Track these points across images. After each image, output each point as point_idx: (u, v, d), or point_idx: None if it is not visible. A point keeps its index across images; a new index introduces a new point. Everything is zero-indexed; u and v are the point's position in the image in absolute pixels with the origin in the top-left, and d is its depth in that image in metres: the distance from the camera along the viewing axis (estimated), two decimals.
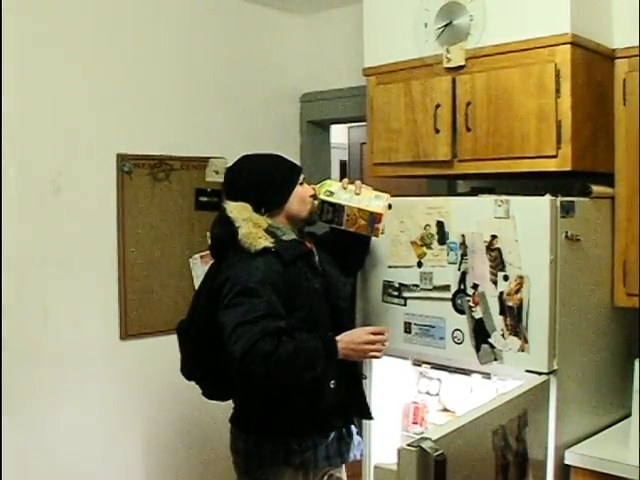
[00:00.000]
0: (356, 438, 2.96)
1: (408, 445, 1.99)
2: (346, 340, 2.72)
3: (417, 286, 3.06)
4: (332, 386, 2.78)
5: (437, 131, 3.13)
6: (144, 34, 3.89)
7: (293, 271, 2.73)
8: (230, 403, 2.96)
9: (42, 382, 3.52)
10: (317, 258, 2.90)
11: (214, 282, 2.79)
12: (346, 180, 2.98)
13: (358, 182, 2.96)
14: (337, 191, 2.90)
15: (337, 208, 2.86)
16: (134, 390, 3.86)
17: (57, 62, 3.54)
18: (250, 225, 2.72)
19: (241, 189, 2.83)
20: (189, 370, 2.95)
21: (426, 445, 1.97)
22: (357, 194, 2.90)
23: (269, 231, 2.74)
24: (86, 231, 3.67)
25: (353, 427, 2.95)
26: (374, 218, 2.84)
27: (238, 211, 2.76)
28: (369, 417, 3.05)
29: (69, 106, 3.60)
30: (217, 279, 2.77)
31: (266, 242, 2.69)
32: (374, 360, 3.21)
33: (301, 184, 2.89)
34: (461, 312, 2.92)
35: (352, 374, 2.90)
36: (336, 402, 2.80)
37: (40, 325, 3.51)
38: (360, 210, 2.84)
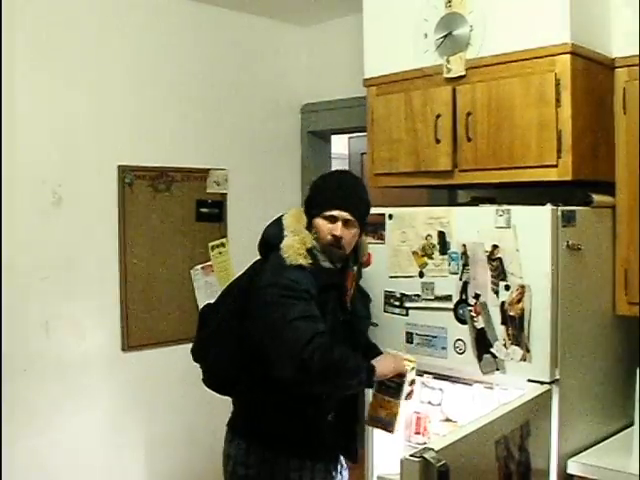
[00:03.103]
0: (344, 475, 2.97)
1: (411, 455, 1.98)
2: (381, 358, 2.76)
3: (419, 296, 3.05)
4: (330, 419, 2.79)
5: (438, 141, 3.13)
6: (145, 47, 3.90)
7: (322, 297, 2.68)
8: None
9: (44, 394, 3.52)
10: (350, 292, 2.85)
11: (253, 278, 2.79)
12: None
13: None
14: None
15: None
16: (136, 401, 3.86)
17: (58, 74, 3.56)
18: (296, 239, 2.71)
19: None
20: (199, 352, 2.92)
21: (429, 455, 1.97)
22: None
23: (311, 252, 2.71)
24: (87, 242, 3.67)
25: (341, 464, 2.95)
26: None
27: (292, 220, 2.79)
28: (353, 459, 2.97)
29: (70, 118, 3.61)
30: (258, 277, 2.75)
31: (304, 261, 2.66)
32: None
33: (331, 221, 2.76)
34: (463, 322, 2.92)
35: (351, 413, 2.89)
36: (328, 435, 2.79)
37: (42, 337, 3.51)
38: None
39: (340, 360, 2.54)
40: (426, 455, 1.97)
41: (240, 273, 2.96)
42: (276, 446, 2.73)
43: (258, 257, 2.87)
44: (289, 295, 2.59)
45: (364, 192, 2.87)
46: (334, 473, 2.88)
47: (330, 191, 2.83)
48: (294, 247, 2.69)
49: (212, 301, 3.01)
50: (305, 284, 2.62)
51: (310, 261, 2.68)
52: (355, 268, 2.93)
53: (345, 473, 2.99)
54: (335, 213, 2.75)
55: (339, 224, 2.74)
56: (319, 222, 2.77)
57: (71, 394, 3.62)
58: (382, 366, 2.67)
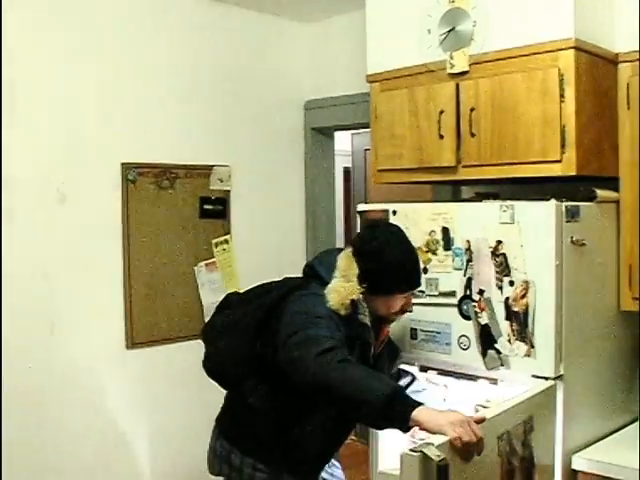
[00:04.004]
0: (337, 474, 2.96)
1: (411, 450, 1.96)
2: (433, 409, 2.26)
3: (423, 292, 3.05)
4: (315, 450, 2.73)
5: (441, 137, 3.12)
6: (149, 43, 3.90)
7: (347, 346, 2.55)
8: None
9: (50, 391, 3.52)
10: (374, 351, 2.75)
11: (286, 297, 2.68)
12: None
13: None
14: None
15: None
16: (140, 398, 3.86)
17: (61, 71, 3.56)
18: (346, 286, 2.61)
19: (367, 254, 2.67)
20: (213, 333, 2.85)
21: (428, 451, 1.93)
22: None
23: (355, 303, 2.61)
24: (91, 239, 3.67)
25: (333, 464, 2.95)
26: None
27: (346, 263, 2.66)
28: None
29: (73, 115, 3.61)
30: (292, 302, 2.64)
31: (344, 311, 2.57)
32: None
33: (406, 296, 2.71)
34: (467, 318, 2.92)
35: (338, 438, 2.83)
36: (311, 452, 2.73)
37: (47, 334, 3.52)
38: None
39: (361, 373, 2.32)
40: (425, 450, 1.93)
41: (275, 280, 2.87)
42: (256, 454, 2.69)
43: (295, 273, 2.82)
44: (318, 323, 2.49)
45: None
46: None
47: (416, 269, 2.73)
48: (341, 294, 2.59)
49: (242, 290, 2.94)
50: (335, 322, 2.52)
51: (349, 312, 2.59)
52: (390, 326, 2.87)
53: (338, 471, 2.98)
54: (414, 290, 2.75)
55: (411, 298, 2.73)
56: (397, 299, 2.68)
57: (75, 391, 3.62)
58: (430, 415, 2.15)
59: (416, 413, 2.14)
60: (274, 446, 2.68)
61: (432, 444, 1.97)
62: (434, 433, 2.08)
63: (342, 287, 2.59)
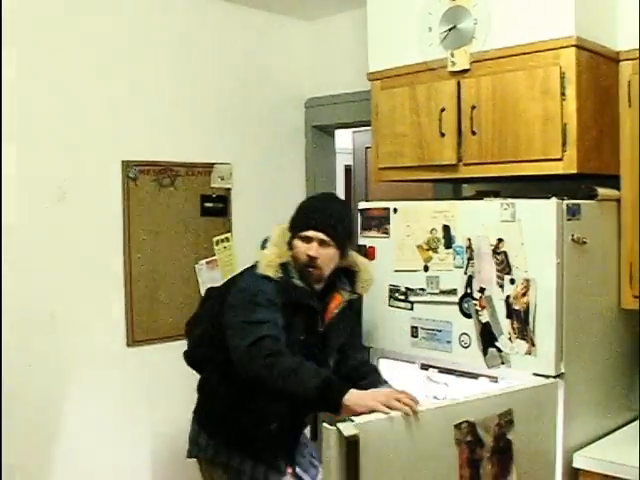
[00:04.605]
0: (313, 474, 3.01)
1: (329, 424, 2.12)
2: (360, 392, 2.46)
3: (424, 290, 3.06)
4: (272, 428, 2.82)
5: (442, 135, 3.13)
6: (149, 41, 3.90)
7: (285, 313, 2.72)
8: None
9: (49, 389, 3.52)
10: (323, 320, 2.87)
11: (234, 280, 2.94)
12: None
13: None
14: None
15: None
16: (141, 396, 3.86)
17: (62, 69, 3.55)
18: (273, 250, 2.80)
19: None
20: (188, 327, 3.09)
21: (343, 426, 2.09)
22: None
23: (286, 267, 2.78)
24: (91, 237, 3.67)
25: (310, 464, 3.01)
26: None
27: (277, 233, 2.87)
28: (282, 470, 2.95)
29: (74, 112, 3.60)
30: (234, 281, 2.89)
31: (272, 273, 2.75)
32: (382, 364, 3.22)
33: (307, 241, 2.80)
34: (468, 316, 2.92)
35: (296, 428, 2.94)
36: (269, 443, 2.85)
37: (47, 332, 3.52)
38: None
39: (291, 366, 2.50)
40: (340, 425, 2.09)
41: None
42: (217, 434, 2.89)
43: None
44: (254, 302, 2.67)
45: (344, 215, 2.89)
46: (278, 475, 2.90)
47: (309, 212, 2.87)
48: (268, 258, 2.78)
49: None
50: (270, 294, 2.69)
51: (280, 275, 2.75)
52: (346, 295, 2.94)
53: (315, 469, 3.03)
54: (310, 234, 2.79)
55: (314, 244, 2.78)
56: (296, 242, 2.82)
57: (76, 389, 3.62)
58: (358, 397, 2.37)
59: (347, 398, 2.36)
60: (231, 424, 2.84)
61: (352, 420, 2.14)
62: (366, 413, 2.26)
63: (270, 251, 2.80)
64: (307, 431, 3.16)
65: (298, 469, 2.98)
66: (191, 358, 3.02)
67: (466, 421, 2.35)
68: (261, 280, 2.74)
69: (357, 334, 3.20)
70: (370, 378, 2.93)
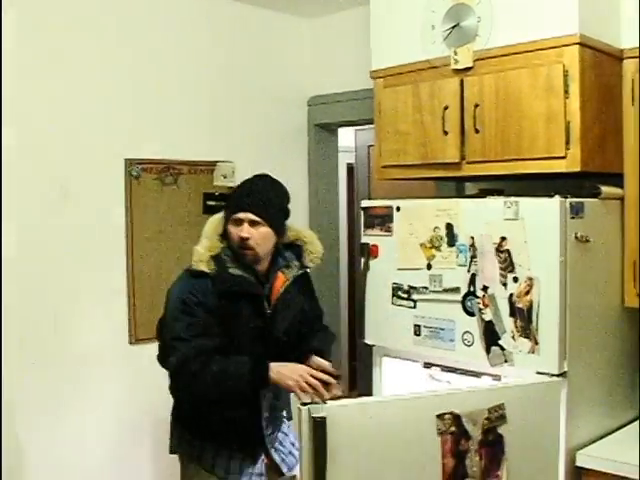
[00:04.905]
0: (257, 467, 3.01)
1: (302, 404, 2.27)
2: (281, 366, 2.73)
3: (426, 288, 3.05)
4: (238, 417, 2.86)
5: (445, 133, 3.12)
6: (150, 39, 3.90)
7: (227, 305, 2.79)
8: None
9: (52, 387, 3.53)
10: (269, 303, 2.92)
11: None
12: None
13: None
14: None
15: None
16: (144, 394, 3.86)
17: (64, 67, 3.55)
18: (204, 243, 2.87)
19: None
20: (157, 329, 3.06)
21: (313, 408, 2.25)
22: None
23: (219, 258, 2.83)
24: (94, 235, 3.67)
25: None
26: None
27: (209, 226, 2.94)
28: (254, 460, 2.98)
29: (77, 111, 3.60)
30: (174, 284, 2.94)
31: (205, 267, 2.80)
32: (385, 362, 3.22)
33: (239, 224, 2.85)
34: (471, 314, 2.91)
35: (254, 418, 2.93)
36: (237, 433, 2.90)
37: (50, 330, 3.52)
38: None
39: (217, 378, 2.68)
40: (311, 407, 2.25)
41: None
42: (196, 433, 2.95)
43: None
44: (181, 310, 2.78)
45: (274, 194, 2.94)
46: (249, 463, 2.95)
47: (238, 196, 2.93)
48: (199, 253, 2.84)
49: None
50: (200, 294, 2.77)
51: (213, 267, 2.81)
52: (290, 272, 2.98)
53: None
54: (241, 215, 2.83)
55: (245, 225, 2.82)
56: (229, 227, 2.87)
57: (79, 387, 3.62)
58: (278, 374, 2.70)
59: (272, 376, 2.67)
60: (199, 417, 2.92)
61: (324, 402, 2.33)
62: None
63: (201, 246, 2.85)
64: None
65: (277, 458, 3.02)
66: (159, 359, 3.00)
67: (450, 412, 2.43)
68: (193, 280, 2.81)
69: (317, 310, 3.22)
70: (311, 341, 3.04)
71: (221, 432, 2.89)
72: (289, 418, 3.15)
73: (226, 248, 2.86)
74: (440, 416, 2.41)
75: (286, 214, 2.98)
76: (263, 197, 2.87)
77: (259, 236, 2.83)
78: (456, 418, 2.43)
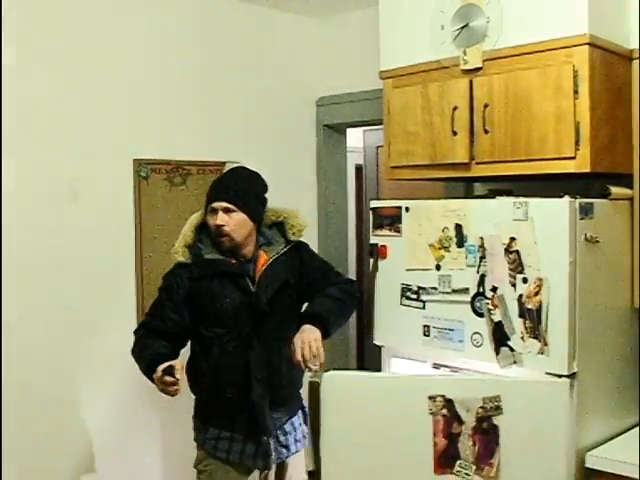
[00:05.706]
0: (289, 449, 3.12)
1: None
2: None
3: (435, 289, 3.05)
4: (229, 396, 2.98)
5: (454, 133, 3.12)
6: (160, 40, 3.91)
7: (204, 287, 2.99)
8: None
9: (61, 386, 3.54)
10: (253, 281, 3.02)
11: None
12: None
13: None
14: None
15: None
16: (152, 389, 3.86)
17: (74, 68, 3.56)
18: (180, 238, 3.07)
19: None
20: None
21: (312, 374, 2.79)
22: None
23: (195, 246, 3.03)
24: (103, 236, 3.68)
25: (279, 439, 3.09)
26: None
27: (188, 222, 3.12)
28: (257, 439, 3.04)
29: (85, 111, 3.62)
30: None
31: (180, 257, 3.03)
32: (393, 363, 3.22)
33: (215, 213, 2.99)
34: (480, 315, 2.91)
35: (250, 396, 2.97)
36: (230, 413, 3.01)
37: (59, 329, 3.53)
38: None
39: (135, 351, 2.98)
40: (315, 374, 2.74)
41: None
42: (199, 416, 3.14)
43: None
44: (159, 296, 3.06)
45: (247, 182, 3.10)
46: (251, 445, 3.02)
47: (212, 188, 3.09)
48: (174, 247, 3.05)
49: None
50: (179, 282, 3.01)
51: (189, 255, 3.02)
52: (272, 250, 3.09)
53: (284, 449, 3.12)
54: (215, 205, 3.00)
55: (220, 214, 2.97)
56: (207, 219, 3.04)
57: (87, 388, 3.63)
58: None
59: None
60: (198, 400, 3.12)
61: (325, 370, 2.82)
62: None
63: (178, 241, 3.06)
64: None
65: (282, 438, 3.08)
66: None
67: (442, 395, 2.70)
68: (175, 271, 3.04)
69: (321, 270, 3.25)
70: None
71: (216, 410, 3.04)
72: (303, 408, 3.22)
73: (203, 237, 3.04)
74: (432, 398, 2.70)
75: (261, 200, 3.12)
76: (235, 185, 3.04)
77: (233, 222, 2.97)
78: (448, 402, 2.70)
